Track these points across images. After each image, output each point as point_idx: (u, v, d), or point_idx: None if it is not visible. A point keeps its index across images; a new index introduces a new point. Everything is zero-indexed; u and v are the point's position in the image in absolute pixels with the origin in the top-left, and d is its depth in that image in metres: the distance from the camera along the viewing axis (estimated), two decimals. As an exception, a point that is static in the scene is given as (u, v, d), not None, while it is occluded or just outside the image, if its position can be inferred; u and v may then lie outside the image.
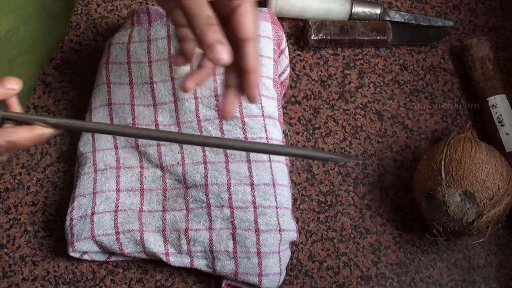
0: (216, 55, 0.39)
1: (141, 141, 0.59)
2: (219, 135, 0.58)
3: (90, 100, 0.61)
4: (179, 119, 0.59)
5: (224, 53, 0.39)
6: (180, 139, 0.43)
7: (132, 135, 0.45)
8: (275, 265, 0.56)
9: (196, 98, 0.59)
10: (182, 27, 0.43)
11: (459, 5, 0.76)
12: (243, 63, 0.42)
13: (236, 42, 0.41)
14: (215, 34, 0.39)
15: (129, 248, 0.56)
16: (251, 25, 0.41)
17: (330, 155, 0.44)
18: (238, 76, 0.44)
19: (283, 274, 0.57)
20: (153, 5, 0.71)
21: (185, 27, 0.42)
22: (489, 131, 0.68)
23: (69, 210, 0.57)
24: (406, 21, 0.73)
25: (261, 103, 0.59)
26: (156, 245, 0.56)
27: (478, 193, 0.55)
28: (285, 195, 0.58)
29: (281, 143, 0.60)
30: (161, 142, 0.59)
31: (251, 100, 0.43)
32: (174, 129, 0.59)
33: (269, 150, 0.44)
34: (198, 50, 0.44)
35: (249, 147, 0.43)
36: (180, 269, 0.60)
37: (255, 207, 0.56)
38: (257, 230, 0.55)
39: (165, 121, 0.59)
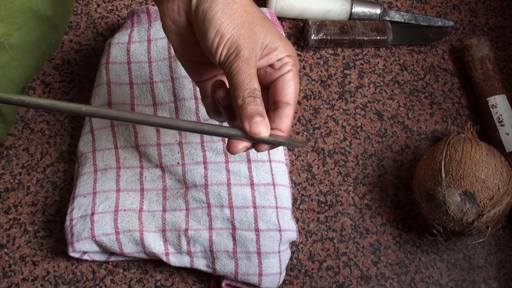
0: (254, 128, 0.39)
1: (141, 141, 0.59)
2: (219, 135, 0.58)
3: (90, 100, 0.61)
4: (179, 118, 0.59)
5: (263, 127, 0.39)
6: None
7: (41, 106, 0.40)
8: (275, 265, 0.56)
9: (196, 98, 0.59)
10: (209, 98, 0.43)
11: (459, 5, 0.76)
12: (278, 125, 0.42)
13: (276, 103, 0.42)
14: (256, 107, 0.39)
15: (129, 248, 0.56)
16: (295, 92, 0.42)
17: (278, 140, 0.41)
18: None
19: (283, 274, 0.57)
20: (153, 5, 0.71)
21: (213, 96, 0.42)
22: (489, 131, 0.68)
23: (69, 210, 0.57)
24: (406, 21, 0.73)
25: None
26: (156, 245, 0.56)
27: (478, 193, 0.55)
28: (285, 195, 0.58)
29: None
30: (161, 142, 0.59)
31: (258, 150, 0.42)
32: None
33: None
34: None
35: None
36: (180, 269, 0.60)
37: (255, 207, 0.56)
38: (257, 230, 0.55)
39: (165, 121, 0.59)
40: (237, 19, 0.39)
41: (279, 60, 0.42)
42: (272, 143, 0.40)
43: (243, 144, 0.40)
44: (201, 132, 0.40)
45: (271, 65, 0.42)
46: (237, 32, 0.39)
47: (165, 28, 0.42)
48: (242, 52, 0.39)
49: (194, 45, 0.42)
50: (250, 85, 0.39)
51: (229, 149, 0.40)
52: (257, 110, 0.39)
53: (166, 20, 0.42)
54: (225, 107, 0.42)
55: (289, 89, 0.42)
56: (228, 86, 0.41)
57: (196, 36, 0.41)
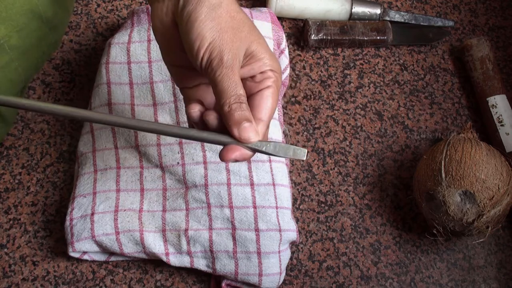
0: (244, 133, 0.38)
1: (141, 141, 0.59)
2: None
3: (90, 100, 0.61)
4: (179, 119, 0.59)
5: (252, 132, 0.38)
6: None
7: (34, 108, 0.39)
8: (275, 265, 0.56)
9: (196, 98, 0.59)
10: (196, 103, 0.42)
11: (459, 5, 0.76)
12: None
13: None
14: (243, 112, 0.38)
15: (129, 248, 0.56)
16: (271, 109, 0.41)
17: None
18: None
19: (283, 274, 0.57)
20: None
21: (199, 104, 0.42)
22: (489, 131, 0.68)
23: (69, 210, 0.57)
24: (406, 21, 0.73)
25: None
26: (156, 245, 0.56)
27: (478, 193, 0.55)
28: (285, 195, 0.58)
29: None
30: (161, 142, 0.59)
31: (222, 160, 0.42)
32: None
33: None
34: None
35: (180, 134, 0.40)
36: (180, 269, 0.60)
37: (255, 207, 0.56)
38: (257, 230, 0.55)
39: (165, 121, 0.59)
40: (221, 23, 0.38)
41: (261, 73, 0.41)
42: (266, 154, 0.40)
43: (234, 155, 0.39)
44: (190, 138, 0.40)
45: (252, 77, 0.41)
46: (219, 36, 0.38)
47: (153, 28, 0.42)
48: (225, 58, 0.38)
49: (179, 49, 0.41)
50: (235, 91, 0.38)
51: (222, 157, 0.40)
52: (245, 115, 0.38)
53: (155, 20, 0.41)
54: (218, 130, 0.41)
55: (265, 105, 0.40)
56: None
57: (181, 38, 0.40)
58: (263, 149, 0.39)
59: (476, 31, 0.75)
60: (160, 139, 0.59)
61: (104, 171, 0.59)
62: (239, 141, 0.39)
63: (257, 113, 0.40)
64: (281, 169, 0.58)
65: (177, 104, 0.59)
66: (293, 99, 0.68)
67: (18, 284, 0.58)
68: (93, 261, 0.59)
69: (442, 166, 0.57)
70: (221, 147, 0.58)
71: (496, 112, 0.66)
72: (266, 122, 0.40)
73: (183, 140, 0.59)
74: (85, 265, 0.59)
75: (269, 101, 0.40)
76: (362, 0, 0.72)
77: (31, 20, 0.49)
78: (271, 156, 0.58)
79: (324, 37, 0.69)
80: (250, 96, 0.41)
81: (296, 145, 0.66)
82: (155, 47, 0.61)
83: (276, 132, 0.60)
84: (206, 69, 0.39)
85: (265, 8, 0.65)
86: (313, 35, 0.69)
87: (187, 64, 0.42)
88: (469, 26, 0.75)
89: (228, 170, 0.57)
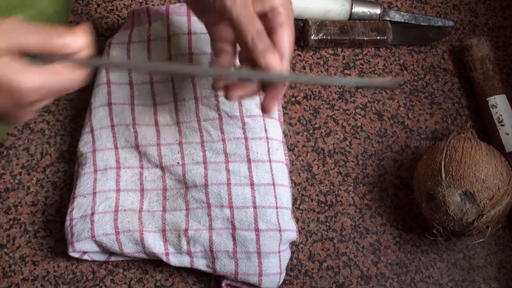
0: (269, 60, 0.41)
1: (141, 141, 0.59)
2: (219, 135, 0.58)
3: (90, 100, 0.61)
4: (179, 119, 0.59)
5: (276, 59, 0.42)
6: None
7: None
8: (275, 265, 0.56)
9: (196, 98, 0.59)
10: (221, 41, 0.46)
11: (459, 5, 0.76)
12: None
13: None
14: (265, 43, 0.42)
15: (129, 248, 0.56)
16: (289, 45, 0.44)
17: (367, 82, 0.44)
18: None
19: (283, 274, 0.57)
20: (153, 5, 0.71)
21: (224, 41, 0.46)
22: (489, 131, 0.68)
23: (69, 210, 0.57)
24: (406, 21, 0.73)
25: (261, 103, 0.59)
26: (156, 245, 0.56)
27: (478, 193, 0.55)
28: (285, 195, 0.58)
29: (282, 142, 0.60)
30: (161, 142, 0.59)
31: (266, 111, 0.46)
32: (174, 129, 0.59)
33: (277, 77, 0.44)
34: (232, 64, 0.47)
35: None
36: (180, 269, 0.60)
37: (255, 207, 0.56)
38: (257, 230, 0.55)
39: (165, 121, 0.59)
40: None
41: (272, 10, 0.44)
42: (303, 83, 0.44)
43: (239, 92, 0.43)
44: (217, 75, 0.43)
45: (264, 16, 0.44)
46: None
47: None
48: None
49: None
50: (254, 25, 0.41)
51: (226, 97, 0.43)
52: (268, 44, 0.42)
53: None
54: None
55: (283, 42, 0.43)
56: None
57: None
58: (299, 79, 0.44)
59: (476, 31, 0.75)
60: (160, 139, 0.59)
61: (104, 171, 0.59)
62: (267, 69, 0.42)
63: (278, 50, 0.43)
64: (281, 169, 0.58)
65: (177, 104, 0.59)
66: (293, 99, 0.68)
67: (18, 284, 0.58)
68: (93, 261, 0.59)
69: (442, 166, 0.57)
70: (221, 147, 0.58)
71: (496, 112, 0.66)
72: (287, 57, 0.44)
73: (183, 140, 0.59)
74: (85, 265, 0.59)
75: (285, 37, 0.44)
76: (362, 0, 0.72)
77: (31, 17, 0.49)
78: (271, 156, 0.58)
79: (324, 37, 0.69)
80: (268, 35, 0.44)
81: (296, 145, 0.66)
82: (155, 47, 0.61)
83: (276, 132, 0.60)
84: (222, 10, 0.42)
85: (265, 8, 0.65)
86: (313, 35, 0.69)
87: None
88: (469, 26, 0.75)
89: (228, 170, 0.57)
